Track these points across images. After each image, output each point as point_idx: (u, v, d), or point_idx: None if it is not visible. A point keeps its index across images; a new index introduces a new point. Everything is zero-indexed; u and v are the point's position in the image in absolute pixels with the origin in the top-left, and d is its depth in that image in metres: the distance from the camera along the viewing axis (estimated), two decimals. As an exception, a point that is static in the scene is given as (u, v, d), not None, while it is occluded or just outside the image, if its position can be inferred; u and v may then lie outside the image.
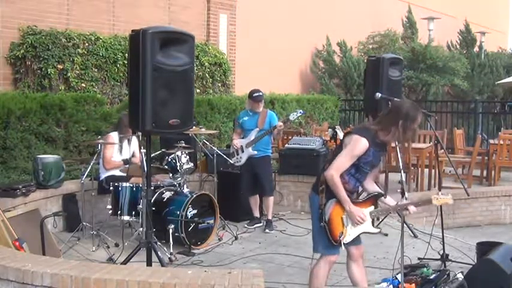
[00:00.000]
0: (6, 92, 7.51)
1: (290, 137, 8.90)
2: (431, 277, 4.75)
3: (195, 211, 6.09)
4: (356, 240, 4.14)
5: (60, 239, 6.04)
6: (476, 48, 17.30)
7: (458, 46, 17.46)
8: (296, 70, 14.28)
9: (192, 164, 6.61)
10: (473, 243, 5.82)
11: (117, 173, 6.55)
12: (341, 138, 6.93)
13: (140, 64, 4.38)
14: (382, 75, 6.60)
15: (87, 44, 8.31)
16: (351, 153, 3.95)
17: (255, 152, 6.90)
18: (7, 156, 6.84)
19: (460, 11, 18.50)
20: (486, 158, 9.67)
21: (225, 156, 7.12)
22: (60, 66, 7.95)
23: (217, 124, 9.49)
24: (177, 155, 6.37)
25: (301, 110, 7.07)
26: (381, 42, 14.98)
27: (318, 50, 14.58)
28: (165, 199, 6.18)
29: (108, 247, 5.95)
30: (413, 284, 4.56)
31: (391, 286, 4.56)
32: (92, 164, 6.08)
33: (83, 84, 8.19)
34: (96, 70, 8.38)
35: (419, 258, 5.62)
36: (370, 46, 15.06)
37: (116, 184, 6.09)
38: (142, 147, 5.42)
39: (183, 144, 6.43)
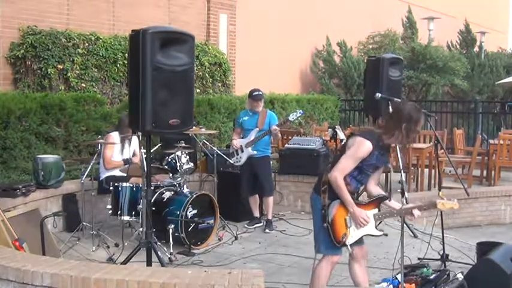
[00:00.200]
0: (6, 92, 7.51)
1: (290, 137, 8.89)
2: (431, 277, 4.75)
3: (195, 211, 6.08)
4: (359, 241, 4.13)
5: (60, 239, 6.04)
6: (476, 48, 17.30)
7: (458, 46, 17.45)
8: (296, 70, 14.28)
9: (192, 164, 6.61)
10: (473, 243, 5.81)
11: (117, 173, 6.56)
12: (341, 138, 6.99)
13: (140, 64, 4.38)
14: (382, 75, 6.59)
15: (87, 44, 8.31)
16: (355, 156, 3.94)
17: (255, 152, 6.90)
18: (7, 156, 6.84)
19: (460, 11, 18.48)
20: (486, 158, 9.68)
21: (224, 156, 7.11)
22: (60, 66, 7.94)
23: (217, 124, 9.49)
24: (177, 155, 6.37)
25: (301, 111, 7.06)
26: (380, 42, 14.98)
27: (318, 50, 14.57)
28: (165, 199, 6.17)
29: (108, 247, 5.94)
30: (413, 284, 4.56)
31: (391, 286, 4.56)
32: (92, 164, 6.08)
33: (83, 84, 8.19)
34: (96, 70, 8.37)
35: (419, 258, 5.62)
36: (370, 46, 15.07)
37: (116, 184, 6.08)
38: (142, 147, 5.42)
39: (183, 144, 6.43)
